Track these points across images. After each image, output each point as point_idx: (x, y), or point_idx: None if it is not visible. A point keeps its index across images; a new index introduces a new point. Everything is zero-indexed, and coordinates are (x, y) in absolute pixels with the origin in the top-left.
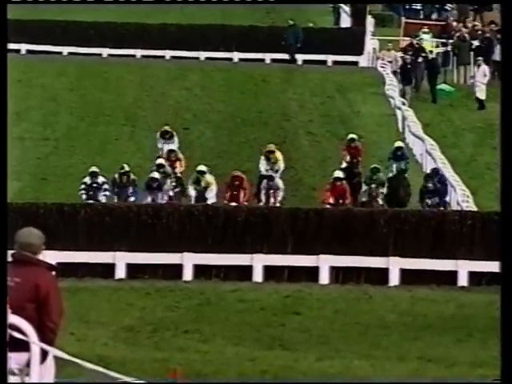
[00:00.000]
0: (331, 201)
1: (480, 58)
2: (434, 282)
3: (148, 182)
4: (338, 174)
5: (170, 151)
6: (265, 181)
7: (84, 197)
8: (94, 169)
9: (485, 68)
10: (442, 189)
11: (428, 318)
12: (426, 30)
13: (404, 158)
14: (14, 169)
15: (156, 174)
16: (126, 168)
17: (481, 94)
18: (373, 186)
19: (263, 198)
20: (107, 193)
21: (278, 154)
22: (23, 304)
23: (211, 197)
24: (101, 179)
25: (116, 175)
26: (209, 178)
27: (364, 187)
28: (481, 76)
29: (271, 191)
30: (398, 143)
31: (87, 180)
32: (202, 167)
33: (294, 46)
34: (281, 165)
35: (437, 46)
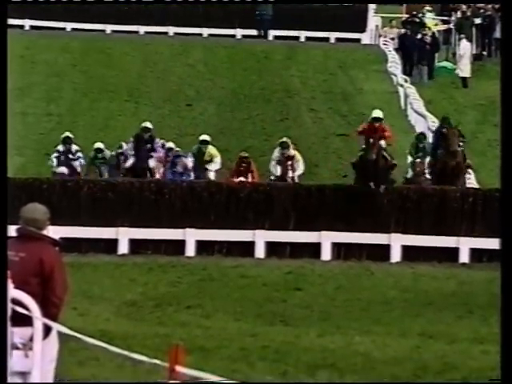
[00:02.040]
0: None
1: (462, 35)
2: (435, 258)
3: (138, 134)
4: (377, 113)
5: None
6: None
7: (55, 163)
8: (67, 134)
9: (466, 45)
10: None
11: (429, 295)
12: (429, 7)
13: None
14: (16, 144)
15: (148, 124)
16: (125, 146)
17: (463, 71)
18: (418, 157)
19: (278, 169)
20: (81, 161)
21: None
22: (27, 278)
23: (214, 169)
24: (74, 147)
25: (113, 153)
26: (212, 149)
27: (409, 158)
28: (462, 53)
29: (289, 162)
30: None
31: (60, 148)
32: (205, 136)
33: (266, 20)
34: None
35: (435, 25)
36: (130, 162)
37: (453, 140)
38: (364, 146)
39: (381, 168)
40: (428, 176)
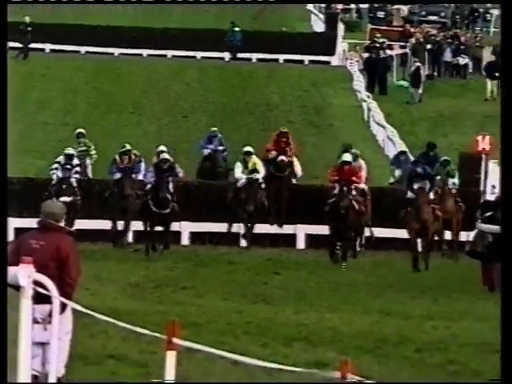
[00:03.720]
0: (336, 183)
1: (417, 58)
2: (393, 247)
3: (158, 163)
4: (347, 157)
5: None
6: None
7: (55, 176)
8: (69, 151)
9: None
10: (430, 173)
11: (388, 279)
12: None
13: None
14: (38, 149)
15: (166, 155)
16: (128, 147)
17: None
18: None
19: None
20: (77, 176)
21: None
22: (46, 263)
23: (259, 177)
24: (75, 161)
25: (116, 155)
26: (255, 159)
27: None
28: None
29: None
30: (402, 148)
31: (61, 159)
32: (248, 148)
33: (235, 45)
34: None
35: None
36: (149, 186)
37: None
38: (335, 193)
39: (351, 219)
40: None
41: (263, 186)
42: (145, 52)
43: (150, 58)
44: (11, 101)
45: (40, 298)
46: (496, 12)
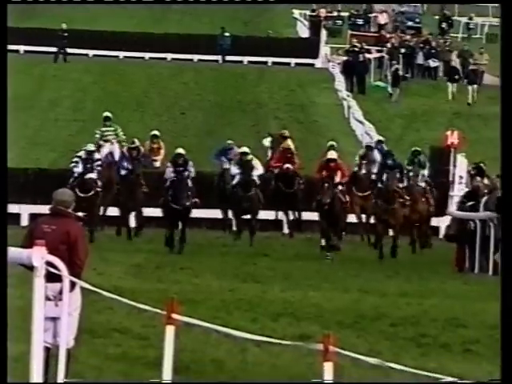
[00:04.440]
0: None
1: (392, 61)
2: (371, 232)
3: (174, 157)
4: (332, 154)
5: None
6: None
7: (76, 170)
8: (90, 148)
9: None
10: (400, 164)
11: (365, 260)
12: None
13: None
14: (50, 143)
15: (181, 150)
16: (137, 143)
17: (390, 89)
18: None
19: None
20: (99, 169)
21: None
22: (57, 246)
23: (258, 174)
24: (96, 156)
25: (124, 149)
26: (251, 157)
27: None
28: (390, 75)
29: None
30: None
31: (82, 154)
32: (244, 148)
33: (225, 49)
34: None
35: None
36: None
37: None
38: (320, 191)
39: (337, 211)
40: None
41: (258, 183)
42: (146, 55)
43: (151, 61)
44: (26, 99)
45: (51, 278)
46: (464, 20)
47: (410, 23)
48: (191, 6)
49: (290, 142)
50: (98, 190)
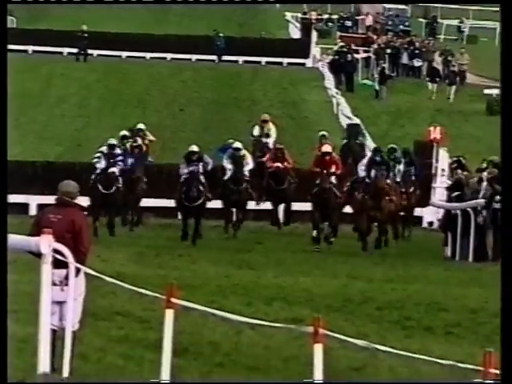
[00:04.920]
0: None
1: (378, 61)
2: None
3: (187, 154)
4: (327, 148)
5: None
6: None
7: (98, 165)
8: (112, 141)
9: (382, 67)
10: (387, 161)
11: (352, 248)
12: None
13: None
14: (57, 138)
15: (195, 147)
16: (139, 141)
17: (377, 87)
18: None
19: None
20: (120, 164)
21: (271, 125)
22: (63, 234)
23: (248, 169)
24: (117, 151)
25: (128, 146)
26: (244, 152)
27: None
28: (376, 74)
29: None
30: (323, 132)
31: (104, 149)
32: (237, 144)
33: (221, 49)
34: (273, 134)
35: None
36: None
37: None
38: (318, 181)
39: (332, 204)
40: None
41: (248, 178)
42: (147, 55)
43: (151, 60)
44: (35, 96)
45: (57, 264)
46: (446, 22)
47: (401, 27)
48: (190, 8)
49: (274, 132)
50: (119, 186)
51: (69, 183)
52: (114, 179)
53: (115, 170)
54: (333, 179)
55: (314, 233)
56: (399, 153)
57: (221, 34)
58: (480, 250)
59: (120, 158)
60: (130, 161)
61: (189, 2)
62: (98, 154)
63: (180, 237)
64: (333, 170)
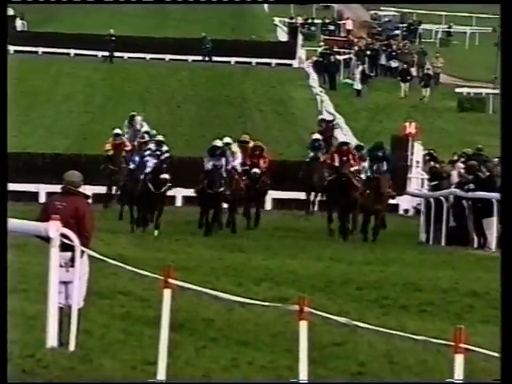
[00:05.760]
0: (336, 163)
1: (359, 62)
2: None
3: (211, 149)
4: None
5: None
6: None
7: (148, 164)
8: (160, 137)
9: (360, 68)
10: (388, 156)
11: (336, 233)
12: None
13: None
14: (64, 132)
15: (218, 142)
16: (147, 138)
17: (357, 86)
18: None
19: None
20: (168, 161)
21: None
22: (68, 220)
23: (238, 163)
24: (165, 148)
25: (135, 144)
26: (234, 148)
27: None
28: (357, 74)
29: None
30: (316, 135)
31: (152, 146)
32: (227, 139)
33: (208, 50)
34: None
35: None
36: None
37: None
38: (337, 165)
39: (350, 188)
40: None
41: (239, 171)
42: (147, 56)
43: (151, 61)
44: (44, 94)
45: (63, 247)
46: (422, 26)
47: (396, 31)
48: (186, 14)
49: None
50: (170, 185)
51: (73, 173)
52: (165, 180)
53: (164, 167)
54: (350, 169)
55: (331, 225)
56: (365, 150)
57: (208, 38)
58: (462, 235)
59: (167, 155)
60: (136, 158)
61: (188, 2)
62: (148, 152)
63: (199, 225)
64: (351, 160)
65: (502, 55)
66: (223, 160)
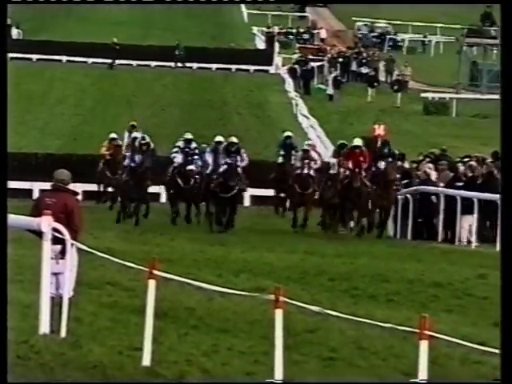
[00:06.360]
0: (350, 165)
1: (331, 68)
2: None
3: (226, 146)
4: (357, 141)
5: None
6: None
7: (176, 160)
8: (188, 136)
9: (333, 75)
10: (394, 153)
11: (309, 229)
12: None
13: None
14: (56, 133)
15: (234, 139)
16: (147, 138)
17: (330, 91)
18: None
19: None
20: (196, 158)
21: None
22: (57, 215)
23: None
24: (193, 145)
25: (136, 143)
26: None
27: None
28: (329, 80)
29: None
30: (287, 133)
31: (181, 144)
32: (219, 138)
33: (180, 57)
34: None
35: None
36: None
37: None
38: (348, 174)
39: (364, 194)
40: None
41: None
42: (134, 62)
43: (138, 67)
44: (38, 97)
45: (53, 240)
46: (389, 36)
47: (373, 40)
48: (171, 23)
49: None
50: (197, 178)
51: (62, 172)
52: (192, 174)
53: (192, 166)
54: (362, 172)
55: (344, 227)
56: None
57: (181, 45)
58: (428, 230)
59: (196, 151)
60: (136, 157)
61: (188, 2)
62: (176, 149)
63: (216, 222)
64: (364, 163)
65: (501, 55)
66: (238, 158)
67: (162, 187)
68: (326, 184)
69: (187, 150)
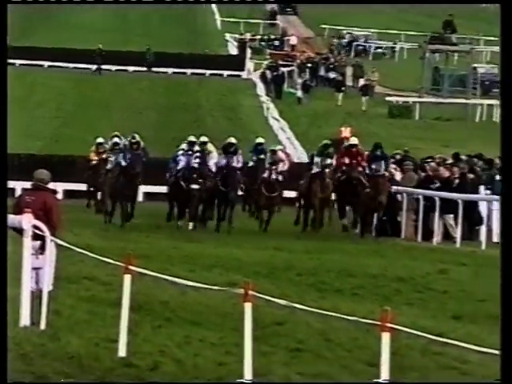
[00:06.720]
0: (347, 161)
1: (301, 73)
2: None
3: (225, 146)
4: (354, 140)
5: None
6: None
7: (180, 163)
8: (191, 138)
9: (302, 79)
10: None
11: (280, 229)
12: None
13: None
14: (38, 135)
15: (233, 139)
16: (137, 138)
17: (299, 94)
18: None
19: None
20: (198, 161)
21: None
22: (37, 212)
23: (212, 163)
24: (196, 148)
25: (127, 142)
26: (211, 147)
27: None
28: (299, 84)
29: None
30: (259, 139)
31: (184, 146)
32: (204, 138)
33: (150, 62)
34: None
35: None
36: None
37: None
38: (344, 170)
39: (360, 188)
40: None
41: (214, 170)
42: (113, 67)
43: (116, 72)
44: (20, 101)
45: (33, 236)
46: (355, 43)
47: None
48: (148, 30)
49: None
50: (201, 181)
51: (42, 171)
52: (196, 175)
53: (196, 167)
54: (359, 169)
55: (345, 221)
56: (332, 149)
57: (151, 50)
58: (392, 227)
59: (198, 154)
60: (127, 156)
61: (189, 2)
62: (180, 152)
63: (216, 227)
64: (360, 161)
65: (501, 55)
66: (235, 158)
67: (141, 186)
68: (311, 183)
69: (190, 152)
